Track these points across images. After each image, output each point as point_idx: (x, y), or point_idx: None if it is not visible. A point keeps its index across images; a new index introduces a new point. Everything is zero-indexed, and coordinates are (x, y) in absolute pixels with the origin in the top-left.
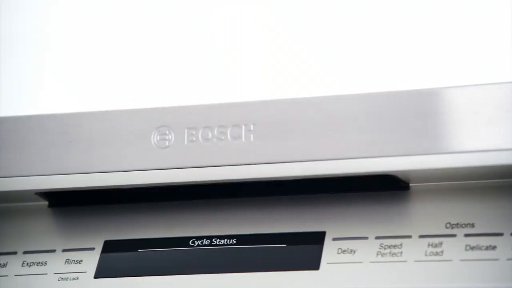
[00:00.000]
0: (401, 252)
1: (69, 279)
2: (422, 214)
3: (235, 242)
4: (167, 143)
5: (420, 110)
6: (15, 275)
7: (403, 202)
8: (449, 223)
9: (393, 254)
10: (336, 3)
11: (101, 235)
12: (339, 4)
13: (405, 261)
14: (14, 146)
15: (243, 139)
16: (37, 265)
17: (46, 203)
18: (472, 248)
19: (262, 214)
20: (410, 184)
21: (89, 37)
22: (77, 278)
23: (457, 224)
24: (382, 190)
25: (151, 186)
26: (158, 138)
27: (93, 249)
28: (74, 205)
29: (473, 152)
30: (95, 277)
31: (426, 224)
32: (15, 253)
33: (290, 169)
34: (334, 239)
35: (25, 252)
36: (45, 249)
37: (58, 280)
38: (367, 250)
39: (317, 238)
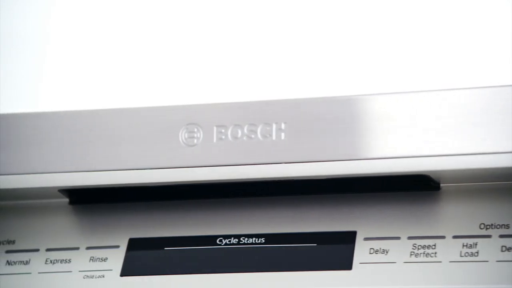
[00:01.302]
0: (435, 253)
1: (94, 277)
2: (455, 215)
3: (263, 241)
4: (195, 141)
5: (452, 110)
6: (38, 273)
7: (434, 202)
8: (483, 223)
9: (427, 255)
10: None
11: (125, 233)
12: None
13: (439, 262)
14: (38, 142)
15: (274, 138)
16: (61, 262)
17: (67, 200)
18: (508, 249)
19: (291, 213)
20: (441, 185)
21: (122, 33)
22: (103, 276)
23: (492, 225)
24: (412, 190)
25: (177, 184)
26: (186, 136)
27: (117, 247)
28: (95, 203)
29: (505, 153)
30: (121, 275)
31: (460, 224)
32: (37, 250)
33: (321, 168)
34: (366, 238)
35: (48, 250)
36: (68, 246)
37: (83, 278)
38: (400, 250)
39: (348, 238)
